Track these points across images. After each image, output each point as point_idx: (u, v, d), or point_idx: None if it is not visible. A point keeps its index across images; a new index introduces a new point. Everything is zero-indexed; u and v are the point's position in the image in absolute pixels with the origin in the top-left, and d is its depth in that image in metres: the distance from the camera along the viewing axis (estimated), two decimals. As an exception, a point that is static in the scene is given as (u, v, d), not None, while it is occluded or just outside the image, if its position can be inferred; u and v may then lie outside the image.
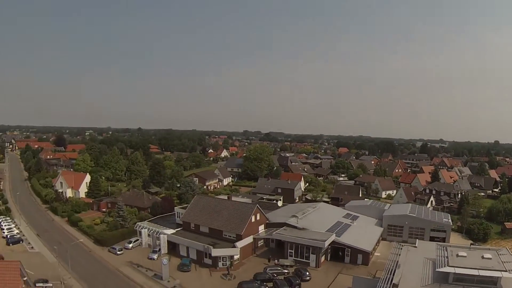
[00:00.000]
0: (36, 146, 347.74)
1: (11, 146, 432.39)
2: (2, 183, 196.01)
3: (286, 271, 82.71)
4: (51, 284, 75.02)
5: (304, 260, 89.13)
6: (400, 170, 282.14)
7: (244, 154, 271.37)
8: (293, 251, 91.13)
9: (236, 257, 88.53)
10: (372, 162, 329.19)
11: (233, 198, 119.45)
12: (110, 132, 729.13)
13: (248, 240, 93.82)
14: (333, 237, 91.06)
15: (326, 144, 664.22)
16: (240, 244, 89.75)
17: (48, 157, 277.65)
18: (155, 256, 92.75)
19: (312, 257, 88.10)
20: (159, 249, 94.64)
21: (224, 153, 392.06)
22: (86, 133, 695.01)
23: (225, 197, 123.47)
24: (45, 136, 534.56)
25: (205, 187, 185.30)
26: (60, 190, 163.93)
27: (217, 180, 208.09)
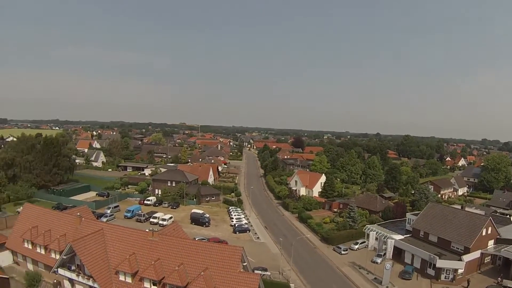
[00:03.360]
0: (274, 146, 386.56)
1: (249, 145, 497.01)
2: (237, 178, 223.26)
3: (507, 293, 79.29)
4: (269, 273, 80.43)
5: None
6: None
7: (482, 164, 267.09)
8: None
9: (460, 271, 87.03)
10: None
11: (466, 209, 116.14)
12: (348, 136, 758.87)
13: (475, 254, 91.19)
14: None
15: None
16: (466, 257, 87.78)
17: (285, 157, 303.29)
18: (378, 260, 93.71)
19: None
20: (384, 253, 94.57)
21: (462, 161, 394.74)
22: (324, 136, 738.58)
23: (459, 207, 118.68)
24: (283, 138, 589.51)
25: (439, 195, 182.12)
26: (294, 188, 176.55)
27: (452, 189, 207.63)
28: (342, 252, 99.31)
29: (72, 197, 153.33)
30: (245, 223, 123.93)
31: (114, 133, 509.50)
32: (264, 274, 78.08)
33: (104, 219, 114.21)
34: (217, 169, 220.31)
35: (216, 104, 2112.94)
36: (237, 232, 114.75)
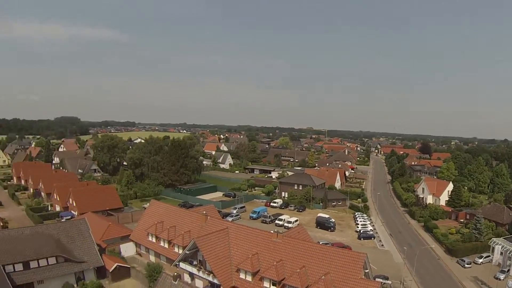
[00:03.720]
0: (401, 152, 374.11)
1: (376, 151, 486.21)
2: (364, 183, 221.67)
3: None
4: (390, 282, 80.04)
5: None
6: None
7: None
8: None
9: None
10: None
11: None
12: (476, 143, 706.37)
13: None
14: None
15: None
16: None
17: (413, 163, 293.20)
18: (502, 276, 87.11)
19: None
20: (508, 270, 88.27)
21: None
22: (452, 142, 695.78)
23: None
24: (410, 143, 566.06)
25: None
26: (421, 196, 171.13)
27: None
28: (466, 265, 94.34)
29: (199, 196, 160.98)
30: (370, 229, 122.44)
31: (241, 136, 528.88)
32: (384, 283, 77.62)
33: (230, 219, 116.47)
34: (344, 174, 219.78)
35: (343, 108, 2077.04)
36: (362, 239, 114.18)
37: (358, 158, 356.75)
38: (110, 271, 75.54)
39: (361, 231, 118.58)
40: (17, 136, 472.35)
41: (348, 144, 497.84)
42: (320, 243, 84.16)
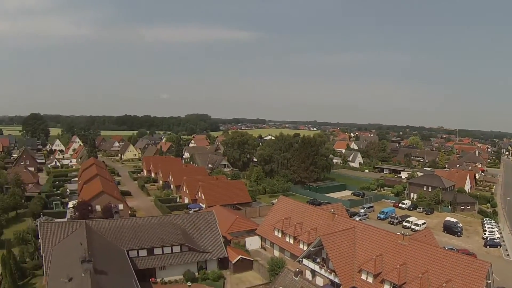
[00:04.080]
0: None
1: (507, 152, 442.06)
2: (494, 187, 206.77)
3: None
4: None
5: None
6: None
7: None
8: None
9: None
10: None
11: None
12: None
13: None
14: None
15: None
16: None
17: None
18: None
19: None
20: None
21: None
22: None
23: None
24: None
25: None
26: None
27: None
28: None
29: (327, 194, 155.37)
30: (497, 237, 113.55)
31: (372, 135, 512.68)
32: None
33: (357, 218, 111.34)
34: (474, 176, 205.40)
35: (474, 107, 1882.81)
36: (488, 246, 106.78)
37: (489, 160, 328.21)
38: (233, 262, 74.86)
39: (488, 239, 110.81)
40: (147, 131, 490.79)
41: (479, 145, 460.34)
42: (446, 248, 78.67)
